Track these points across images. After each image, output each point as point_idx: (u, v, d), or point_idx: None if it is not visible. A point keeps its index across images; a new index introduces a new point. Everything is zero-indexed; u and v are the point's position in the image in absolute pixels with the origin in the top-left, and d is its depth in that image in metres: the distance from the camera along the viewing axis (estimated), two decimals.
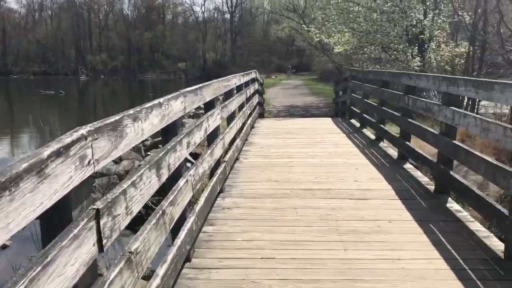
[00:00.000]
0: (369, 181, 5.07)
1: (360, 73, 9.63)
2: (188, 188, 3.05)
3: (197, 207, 3.33)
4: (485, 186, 6.54)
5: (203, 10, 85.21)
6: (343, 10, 17.18)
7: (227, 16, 64.72)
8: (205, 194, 3.64)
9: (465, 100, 12.68)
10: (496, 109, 13.54)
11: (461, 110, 4.02)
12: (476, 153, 3.60)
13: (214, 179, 4.10)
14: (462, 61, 17.40)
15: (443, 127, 4.47)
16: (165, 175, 2.51)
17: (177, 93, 3.03)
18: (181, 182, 2.90)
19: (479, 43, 16.95)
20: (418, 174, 5.37)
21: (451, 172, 4.24)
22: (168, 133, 2.92)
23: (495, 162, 3.27)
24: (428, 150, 5.46)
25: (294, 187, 4.83)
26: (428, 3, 15.92)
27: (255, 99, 10.13)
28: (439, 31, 16.74)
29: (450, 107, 4.25)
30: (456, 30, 18.16)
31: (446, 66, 16.98)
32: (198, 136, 3.55)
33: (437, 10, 16.45)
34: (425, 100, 5.15)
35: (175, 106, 2.89)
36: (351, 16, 16.41)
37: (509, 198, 3.16)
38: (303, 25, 29.56)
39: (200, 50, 62.87)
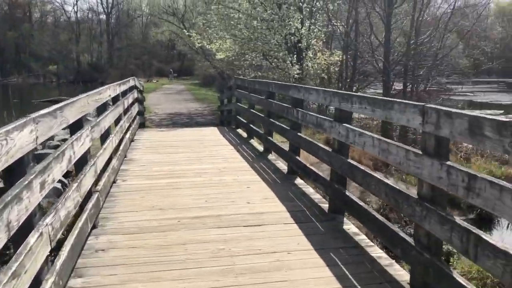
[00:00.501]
0: (262, 202, 4.71)
1: (246, 83, 9.38)
2: (44, 242, 2.35)
3: (59, 261, 2.63)
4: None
5: (76, 10, 79.54)
6: (223, 16, 16.98)
7: (103, 17, 61.20)
8: (70, 240, 2.94)
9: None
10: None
11: (356, 128, 3.84)
12: (375, 175, 3.42)
13: (84, 216, 3.38)
14: (337, 69, 18.35)
15: (336, 144, 4.28)
16: (2, 239, 1.81)
17: (25, 119, 2.31)
18: (32, 238, 2.20)
19: (351, 52, 18.01)
20: (310, 190, 5.17)
21: (347, 193, 4.05)
22: (12, 175, 2.20)
23: (397, 187, 3.08)
24: (322, 165, 5.30)
25: (182, 215, 4.27)
26: (304, 13, 16.40)
27: (135, 109, 9.32)
28: (316, 40, 17.39)
29: (343, 124, 4.06)
30: (330, 39, 19.05)
31: (323, 74, 17.73)
32: (59, 170, 2.84)
33: (313, 20, 17.05)
34: (315, 114, 4.96)
35: (21, 138, 2.18)
36: (232, 23, 16.25)
37: (414, 226, 2.98)
38: (184, 30, 28.94)
39: (73, 52, 58.55)
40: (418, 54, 14.09)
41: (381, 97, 3.33)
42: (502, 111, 25.58)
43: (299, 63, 16.02)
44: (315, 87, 5.07)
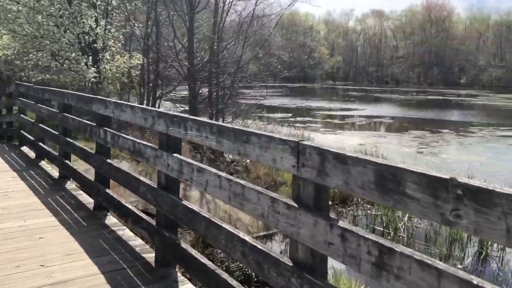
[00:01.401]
0: (64, 262, 3.45)
1: (32, 90, 7.58)
2: None
3: None
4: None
5: None
6: None
7: None
8: None
9: None
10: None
11: (194, 162, 2.97)
12: (226, 226, 2.61)
13: None
14: (138, 73, 17.19)
15: (163, 180, 3.35)
16: None
17: None
18: None
19: (152, 56, 17.08)
20: (128, 234, 4.09)
21: (183, 244, 3.15)
22: None
23: (261, 247, 2.33)
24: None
25: None
26: (98, 10, 14.79)
27: None
28: (113, 41, 15.93)
29: (175, 155, 3.17)
30: (129, 40, 17.76)
31: (123, 78, 16.38)
32: None
33: (109, 19, 15.57)
34: (132, 138, 3.90)
35: None
36: (9, 16, 13.57)
37: None
38: None
39: None
40: (223, 60, 14.01)
41: (232, 126, 2.54)
42: (291, 114, 28.09)
43: (95, 66, 14.35)
44: (131, 104, 4.01)
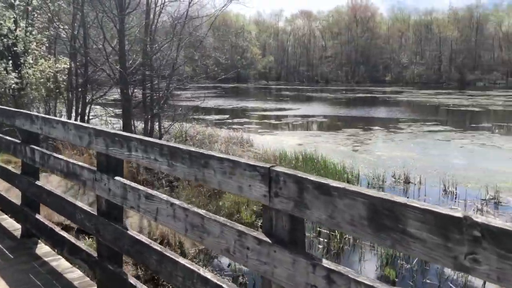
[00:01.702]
0: None
1: None
2: None
3: None
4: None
5: None
6: None
7: None
8: None
9: None
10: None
11: (140, 186, 2.62)
12: (183, 261, 2.30)
13: None
14: (65, 77, 16.14)
15: (104, 206, 2.96)
16: None
17: None
18: None
19: (80, 59, 16.11)
20: (65, 265, 3.59)
21: (130, 280, 2.79)
22: None
23: None
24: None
25: None
26: (17, 11, 13.69)
27: None
28: (36, 43, 14.82)
29: (117, 179, 2.80)
30: (54, 43, 16.64)
31: (49, 83, 15.31)
32: None
33: (29, 20, 14.46)
34: (65, 158, 3.44)
35: None
36: None
37: None
38: None
39: None
40: (158, 63, 13.47)
41: (186, 147, 2.24)
42: (227, 116, 27.86)
43: (16, 71, 13.25)
44: (62, 120, 3.55)
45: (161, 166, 2.41)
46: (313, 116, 28.81)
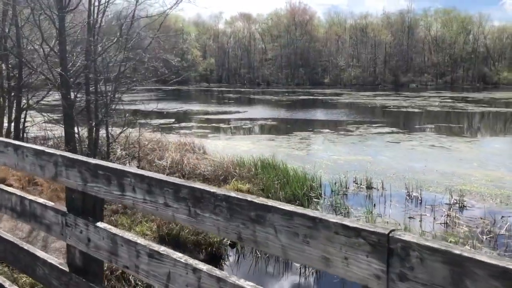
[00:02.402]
0: None
1: None
2: None
3: None
4: None
5: None
6: None
7: None
8: None
9: None
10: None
11: (141, 241, 1.92)
12: None
13: None
14: None
15: (77, 258, 2.22)
16: None
17: None
18: None
19: (12, 61, 14.65)
20: None
21: None
22: None
23: None
24: None
25: None
26: None
27: None
28: None
29: (99, 225, 2.07)
30: None
31: None
32: None
33: None
34: (21, 194, 2.62)
35: None
36: None
37: None
38: None
39: None
40: (104, 65, 12.41)
41: (221, 191, 1.59)
42: (173, 120, 26.83)
43: None
44: (16, 142, 2.72)
45: (176, 215, 1.73)
46: (260, 119, 28.43)
